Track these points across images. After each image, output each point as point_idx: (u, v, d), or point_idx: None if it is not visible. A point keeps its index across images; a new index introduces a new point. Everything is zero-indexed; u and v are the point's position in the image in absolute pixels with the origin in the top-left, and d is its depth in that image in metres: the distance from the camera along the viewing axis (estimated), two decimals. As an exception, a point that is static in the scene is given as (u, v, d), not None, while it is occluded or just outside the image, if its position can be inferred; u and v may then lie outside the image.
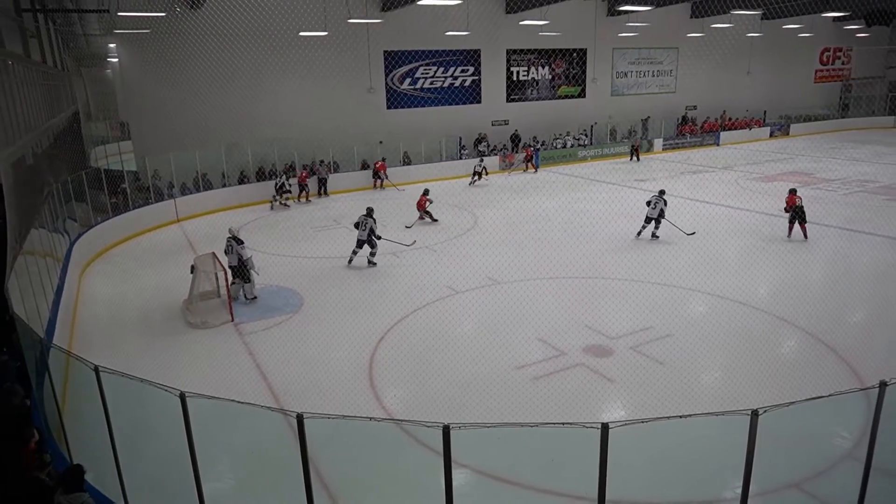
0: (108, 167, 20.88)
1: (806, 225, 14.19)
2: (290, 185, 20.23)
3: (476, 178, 22.96)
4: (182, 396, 4.42)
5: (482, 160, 23.43)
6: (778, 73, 35.74)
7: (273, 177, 21.05)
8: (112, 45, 20.82)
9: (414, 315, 10.65)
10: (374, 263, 13.39)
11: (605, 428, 3.80)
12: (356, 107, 23.92)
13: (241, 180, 21.34)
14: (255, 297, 11.56)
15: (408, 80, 25.29)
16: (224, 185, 20.66)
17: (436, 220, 16.45)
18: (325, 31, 20.50)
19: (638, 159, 27.97)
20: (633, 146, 28.39)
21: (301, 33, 20.65)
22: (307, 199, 20.94)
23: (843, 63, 39.57)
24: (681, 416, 4.08)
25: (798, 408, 4.09)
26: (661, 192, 14.88)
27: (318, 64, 21.96)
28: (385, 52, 24.33)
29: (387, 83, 24.81)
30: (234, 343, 9.83)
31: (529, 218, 14.87)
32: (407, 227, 15.06)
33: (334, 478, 6.04)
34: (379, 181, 22.75)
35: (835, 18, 34.33)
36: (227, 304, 10.81)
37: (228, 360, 9.19)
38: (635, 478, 5.60)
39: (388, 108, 25.04)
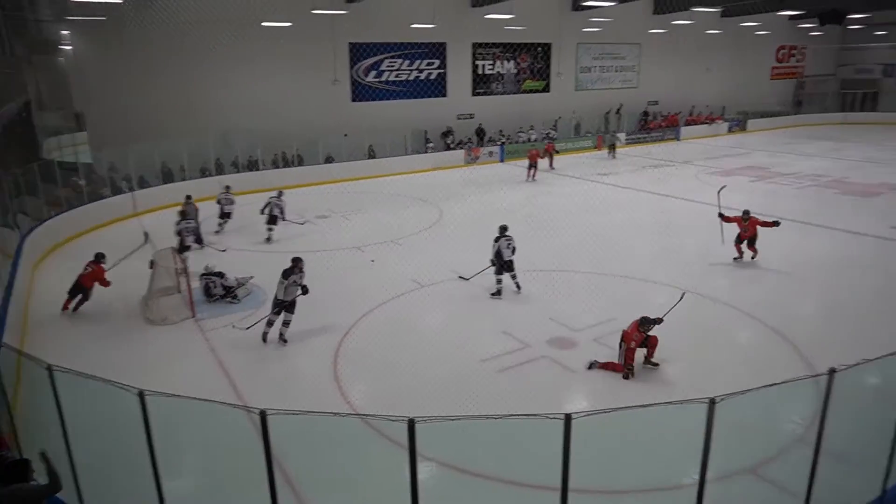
0: (61, 159, 20.20)
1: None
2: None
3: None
4: (141, 395, 4.32)
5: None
6: (736, 70, 36.62)
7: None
8: (65, 32, 20.08)
9: (379, 309, 10.60)
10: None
11: (568, 419, 3.87)
12: (321, 99, 23.60)
13: (204, 173, 20.87)
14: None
15: (373, 73, 25.06)
16: (184, 179, 20.15)
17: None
18: (288, 21, 20.17)
19: (614, 157, 27.69)
20: (611, 144, 28.17)
21: (263, 23, 20.26)
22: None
23: (797, 61, 40.75)
24: (642, 406, 4.18)
25: (753, 395, 4.23)
26: None
27: (282, 55, 21.59)
28: (350, 43, 24.05)
29: (352, 75, 24.55)
30: (195, 340, 9.63)
31: (494, 211, 14.97)
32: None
33: (299, 475, 5.99)
34: None
35: (790, 16, 35.31)
36: (187, 301, 10.59)
37: (190, 358, 9.02)
38: (597, 467, 5.70)
39: (354, 100, 24.79)
